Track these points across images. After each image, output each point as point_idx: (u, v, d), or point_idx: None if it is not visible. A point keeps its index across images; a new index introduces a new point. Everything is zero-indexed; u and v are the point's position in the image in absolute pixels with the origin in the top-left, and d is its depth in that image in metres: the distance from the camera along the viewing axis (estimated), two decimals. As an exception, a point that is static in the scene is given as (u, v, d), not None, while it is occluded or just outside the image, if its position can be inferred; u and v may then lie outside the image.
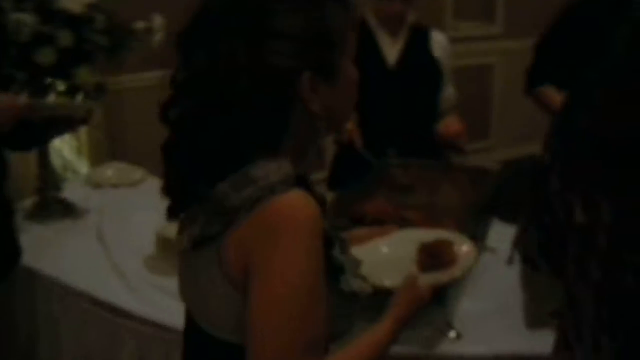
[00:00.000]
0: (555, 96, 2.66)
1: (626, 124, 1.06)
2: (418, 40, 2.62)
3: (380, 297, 1.30)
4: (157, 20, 2.57)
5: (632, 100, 1.07)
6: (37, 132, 2.27)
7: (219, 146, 1.10)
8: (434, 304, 1.39)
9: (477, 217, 2.03)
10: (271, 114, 1.11)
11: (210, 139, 1.10)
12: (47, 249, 2.31)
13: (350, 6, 1.18)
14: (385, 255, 1.58)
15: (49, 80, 2.29)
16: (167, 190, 1.19)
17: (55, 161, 2.74)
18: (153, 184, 2.76)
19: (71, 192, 2.67)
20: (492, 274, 1.89)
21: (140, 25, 2.58)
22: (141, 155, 2.79)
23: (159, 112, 1.16)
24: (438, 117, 2.64)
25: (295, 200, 1.08)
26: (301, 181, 1.15)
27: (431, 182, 2.33)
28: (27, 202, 2.56)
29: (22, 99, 2.14)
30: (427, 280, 1.38)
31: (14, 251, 2.12)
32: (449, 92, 2.69)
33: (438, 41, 2.66)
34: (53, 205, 2.53)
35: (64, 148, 3.07)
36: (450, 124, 2.48)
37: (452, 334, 1.72)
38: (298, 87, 1.11)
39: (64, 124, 2.38)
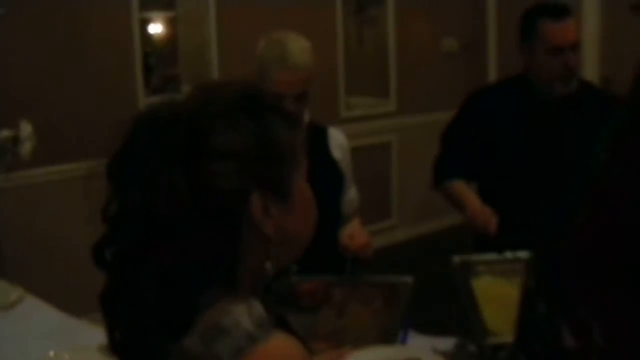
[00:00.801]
0: (465, 191, 2.55)
1: (612, 236, 1.02)
2: (315, 143, 2.42)
3: None
4: (26, 129, 2.30)
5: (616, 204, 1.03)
6: None
7: (166, 289, 0.94)
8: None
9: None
10: (222, 245, 0.97)
11: (155, 281, 0.94)
12: None
13: (294, 117, 1.07)
14: None
15: None
16: (115, 349, 0.97)
17: None
18: (31, 306, 2.47)
19: None
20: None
21: (5, 133, 2.32)
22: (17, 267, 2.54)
23: (92, 253, 0.98)
24: (341, 222, 2.44)
25: (283, 349, 0.95)
26: (277, 319, 0.98)
27: (339, 301, 2.12)
28: None
29: None
30: None
31: None
32: (351, 194, 2.50)
33: (336, 140, 2.48)
34: None
35: None
36: (355, 236, 2.27)
37: None
38: (248, 210, 0.98)
39: None
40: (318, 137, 2.44)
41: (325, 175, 2.42)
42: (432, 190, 2.77)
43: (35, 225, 3.96)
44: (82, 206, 4.12)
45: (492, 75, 6.01)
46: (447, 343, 1.99)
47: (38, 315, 2.44)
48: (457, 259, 2.36)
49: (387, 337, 1.92)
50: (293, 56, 2.20)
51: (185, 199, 0.93)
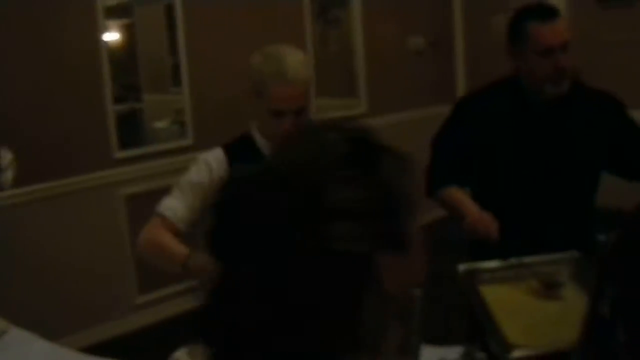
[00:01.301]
0: (462, 197, 2.52)
1: None
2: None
3: None
4: (6, 157, 2.21)
5: None
6: None
7: None
8: None
9: None
10: (347, 312, 0.84)
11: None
12: None
13: (405, 157, 0.93)
14: None
15: None
16: None
17: None
18: (16, 338, 2.37)
19: None
20: None
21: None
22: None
23: (198, 326, 0.89)
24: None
25: None
26: None
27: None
28: None
29: None
30: None
31: None
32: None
33: None
34: None
35: None
36: None
37: None
38: (372, 270, 0.85)
39: None
40: None
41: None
42: (426, 197, 2.73)
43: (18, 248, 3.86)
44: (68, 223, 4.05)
45: (460, 73, 6.02)
46: (454, 352, 1.96)
47: (23, 347, 2.34)
48: (462, 267, 2.33)
49: (405, 352, 1.87)
50: (291, 70, 2.15)
51: (305, 270, 0.83)
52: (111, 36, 4.30)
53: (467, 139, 2.57)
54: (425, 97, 5.93)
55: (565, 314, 2.03)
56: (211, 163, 2.27)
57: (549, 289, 2.17)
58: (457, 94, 6.01)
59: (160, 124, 4.80)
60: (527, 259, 2.28)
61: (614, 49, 5.08)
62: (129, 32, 4.47)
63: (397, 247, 0.88)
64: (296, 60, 2.18)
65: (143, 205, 4.37)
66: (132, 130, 4.43)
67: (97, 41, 4.11)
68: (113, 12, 4.27)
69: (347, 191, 0.85)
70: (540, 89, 2.47)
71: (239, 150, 2.32)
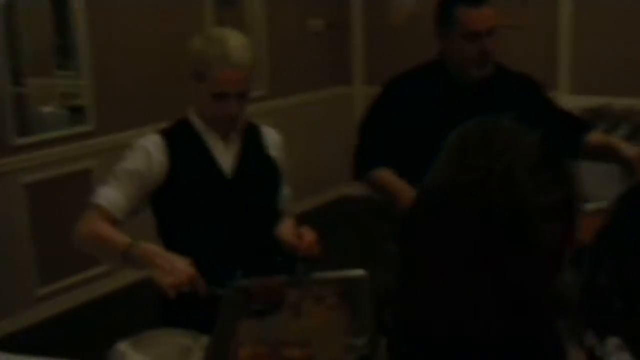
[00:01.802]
0: (393, 179, 2.55)
1: None
2: (252, 141, 2.35)
3: None
4: None
5: None
6: None
7: None
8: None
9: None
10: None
11: None
12: None
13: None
14: None
15: None
16: None
17: None
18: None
19: None
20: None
21: None
22: None
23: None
24: (278, 219, 2.39)
25: None
26: None
27: (293, 301, 2.08)
28: None
29: None
30: None
31: None
32: (286, 191, 2.44)
33: (272, 138, 2.42)
34: None
35: None
36: (303, 234, 2.22)
37: None
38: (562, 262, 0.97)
39: None
40: (254, 136, 2.37)
41: (266, 174, 2.35)
42: (355, 180, 2.76)
43: None
44: None
45: (359, 54, 6.08)
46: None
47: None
48: (391, 245, 2.38)
49: (356, 334, 1.89)
50: (236, 54, 2.13)
51: (524, 263, 0.91)
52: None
53: (394, 122, 2.61)
54: (323, 79, 5.96)
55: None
56: (149, 149, 2.21)
57: None
58: (354, 75, 6.09)
59: (47, 109, 4.57)
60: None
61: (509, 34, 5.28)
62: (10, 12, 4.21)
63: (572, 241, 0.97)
64: (240, 44, 2.16)
65: (43, 194, 4.22)
66: (17, 116, 4.17)
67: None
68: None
69: (551, 193, 0.92)
70: (465, 72, 2.54)
71: (178, 135, 2.27)
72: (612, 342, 1.17)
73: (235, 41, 2.15)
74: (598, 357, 1.04)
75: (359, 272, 2.16)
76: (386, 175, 2.58)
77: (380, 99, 2.70)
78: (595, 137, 2.69)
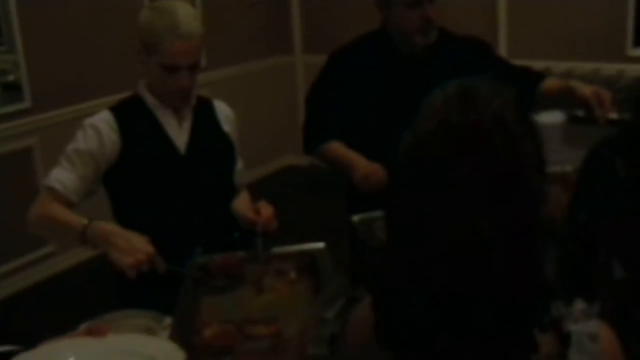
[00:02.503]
0: (346, 151, 2.53)
1: None
2: (205, 117, 2.31)
3: None
4: None
5: None
6: None
7: None
8: None
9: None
10: None
11: None
12: None
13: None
14: None
15: None
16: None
17: None
18: None
19: None
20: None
21: None
22: None
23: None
24: (233, 195, 2.36)
25: None
26: None
27: (254, 277, 2.07)
28: None
29: None
30: None
31: None
32: (240, 165, 2.42)
33: (224, 112, 2.38)
34: None
35: None
36: (261, 209, 2.21)
37: None
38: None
39: None
40: (206, 111, 2.33)
41: (220, 150, 2.32)
42: (305, 155, 2.73)
43: None
44: None
45: (297, 22, 6.03)
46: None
47: None
48: (356, 218, 2.38)
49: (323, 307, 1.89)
50: (185, 25, 2.09)
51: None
52: None
53: (340, 93, 2.58)
54: (263, 49, 5.90)
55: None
56: (99, 127, 2.15)
57: None
58: (295, 44, 6.04)
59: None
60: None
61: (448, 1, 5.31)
62: None
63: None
64: (189, 15, 2.13)
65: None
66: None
67: None
68: None
69: (532, 143, 0.98)
70: (409, 41, 2.53)
71: (129, 111, 2.22)
72: (578, 308, 1.19)
73: (184, 11, 2.11)
74: (565, 334, 1.05)
75: (319, 245, 2.16)
76: (338, 148, 2.55)
77: (325, 71, 2.67)
78: (550, 82, 2.73)
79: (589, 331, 1.04)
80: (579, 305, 1.18)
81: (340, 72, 2.62)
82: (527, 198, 0.95)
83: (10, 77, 4.32)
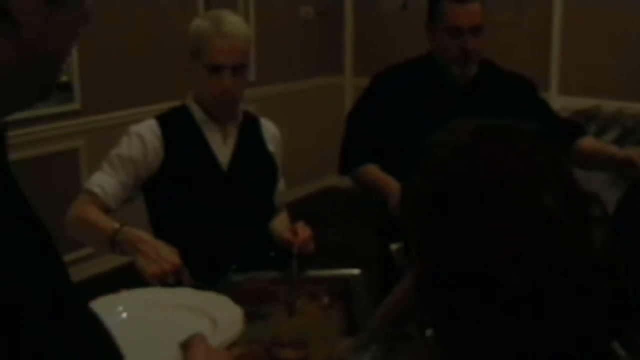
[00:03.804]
0: (381, 175, 2.49)
1: None
2: (250, 134, 2.31)
3: None
4: None
5: None
6: None
7: None
8: None
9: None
10: None
11: None
12: None
13: None
14: None
15: None
16: None
17: None
18: None
19: None
20: None
21: None
22: None
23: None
24: (272, 214, 2.36)
25: None
26: None
27: (286, 299, 2.05)
28: None
29: None
30: None
31: None
32: (282, 185, 2.41)
33: (270, 132, 2.38)
34: None
35: None
36: (298, 230, 2.19)
37: None
38: None
39: None
40: (253, 128, 2.34)
41: (263, 169, 2.32)
42: (341, 175, 2.69)
43: None
44: None
45: (349, 43, 6.04)
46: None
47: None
48: (394, 246, 2.34)
49: (351, 333, 1.87)
50: (229, 24, 2.13)
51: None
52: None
53: (380, 116, 2.56)
54: (313, 68, 5.92)
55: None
56: (144, 135, 2.17)
57: None
58: (345, 66, 6.05)
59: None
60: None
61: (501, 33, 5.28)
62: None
63: None
64: (235, 18, 2.19)
65: (29, 173, 4.13)
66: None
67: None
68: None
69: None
70: (447, 68, 2.50)
71: (175, 122, 2.24)
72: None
73: (229, 16, 2.18)
74: None
75: (354, 271, 2.14)
76: (374, 171, 2.52)
77: (368, 93, 2.64)
78: (588, 141, 2.67)
79: None
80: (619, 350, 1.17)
81: (383, 94, 2.60)
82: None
83: (64, 78, 4.38)
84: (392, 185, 2.41)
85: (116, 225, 2.00)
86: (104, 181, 2.14)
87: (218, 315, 1.75)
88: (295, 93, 5.71)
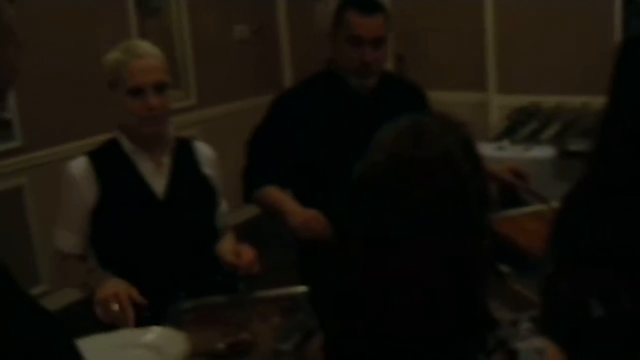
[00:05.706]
0: (281, 196, 2.44)
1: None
2: (184, 160, 2.28)
3: None
4: None
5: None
6: None
7: None
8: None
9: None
10: None
11: None
12: None
13: None
14: None
15: None
16: None
17: None
18: None
19: None
20: None
21: None
22: None
23: None
24: (216, 238, 2.33)
25: None
26: None
27: (238, 320, 2.02)
28: None
29: None
30: None
31: None
32: (224, 207, 2.38)
33: (204, 154, 2.35)
34: None
35: None
36: (241, 253, 2.16)
37: None
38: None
39: None
40: (186, 153, 2.31)
41: (200, 193, 2.30)
42: (244, 202, 2.59)
43: None
44: None
45: (286, 60, 6.04)
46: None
47: None
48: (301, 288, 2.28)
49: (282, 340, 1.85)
50: (141, 47, 2.17)
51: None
52: None
53: (283, 137, 2.50)
54: (253, 87, 5.90)
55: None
56: (75, 175, 2.17)
57: None
58: (284, 82, 6.04)
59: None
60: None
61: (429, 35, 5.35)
62: None
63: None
64: (146, 42, 2.23)
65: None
66: None
67: None
68: None
69: (479, 181, 1.04)
70: (346, 79, 2.48)
71: (106, 157, 2.22)
72: (524, 327, 1.30)
73: (139, 42, 2.24)
74: (512, 352, 1.07)
75: (300, 288, 2.12)
76: (273, 193, 2.45)
77: (268, 117, 2.57)
78: None
79: (535, 347, 1.08)
80: (525, 324, 1.24)
81: (284, 116, 2.53)
82: (469, 233, 1.00)
83: (4, 114, 4.27)
84: (288, 205, 2.36)
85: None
86: (65, 236, 2.22)
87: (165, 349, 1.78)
88: (238, 112, 5.67)
